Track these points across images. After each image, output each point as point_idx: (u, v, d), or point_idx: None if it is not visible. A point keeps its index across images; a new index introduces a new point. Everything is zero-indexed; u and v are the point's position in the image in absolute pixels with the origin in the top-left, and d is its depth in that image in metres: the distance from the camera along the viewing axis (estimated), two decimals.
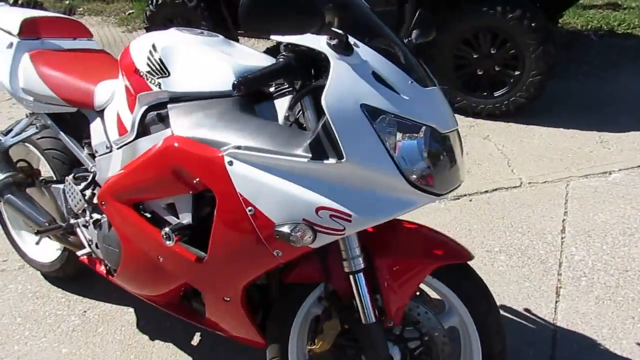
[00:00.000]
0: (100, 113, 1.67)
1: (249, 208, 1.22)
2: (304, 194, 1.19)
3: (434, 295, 1.47)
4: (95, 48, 2.04)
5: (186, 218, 1.42)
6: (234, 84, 1.15)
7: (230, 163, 1.22)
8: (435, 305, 1.46)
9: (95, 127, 1.69)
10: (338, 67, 1.15)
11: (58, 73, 1.79)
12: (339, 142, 1.13)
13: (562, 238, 2.40)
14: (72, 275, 2.18)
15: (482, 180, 2.91)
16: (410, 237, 1.44)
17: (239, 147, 1.22)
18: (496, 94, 3.56)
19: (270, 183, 1.20)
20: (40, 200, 1.98)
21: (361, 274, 1.30)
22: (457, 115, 3.57)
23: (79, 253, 1.84)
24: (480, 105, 3.60)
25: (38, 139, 1.97)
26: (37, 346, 1.97)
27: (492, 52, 3.47)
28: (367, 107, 1.14)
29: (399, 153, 1.17)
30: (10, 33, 1.91)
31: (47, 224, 1.82)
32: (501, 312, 2.02)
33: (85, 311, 2.12)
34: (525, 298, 2.07)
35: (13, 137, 1.98)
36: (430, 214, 2.60)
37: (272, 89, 1.36)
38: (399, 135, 1.17)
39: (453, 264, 1.37)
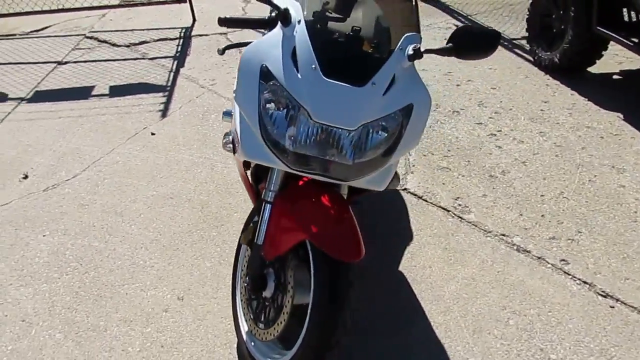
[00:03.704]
0: None
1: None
2: (235, 116, 1.54)
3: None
4: None
5: None
6: (219, 19, 1.39)
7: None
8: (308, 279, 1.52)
9: None
10: (274, 31, 1.38)
11: None
12: (236, 82, 1.41)
13: None
14: None
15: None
16: (318, 207, 1.47)
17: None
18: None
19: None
20: None
21: (269, 205, 1.51)
22: None
23: None
24: None
25: None
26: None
27: None
28: (265, 67, 1.33)
29: (266, 113, 1.33)
30: None
31: None
32: None
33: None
34: None
35: None
36: None
37: None
38: (275, 100, 1.33)
39: (341, 258, 1.40)
